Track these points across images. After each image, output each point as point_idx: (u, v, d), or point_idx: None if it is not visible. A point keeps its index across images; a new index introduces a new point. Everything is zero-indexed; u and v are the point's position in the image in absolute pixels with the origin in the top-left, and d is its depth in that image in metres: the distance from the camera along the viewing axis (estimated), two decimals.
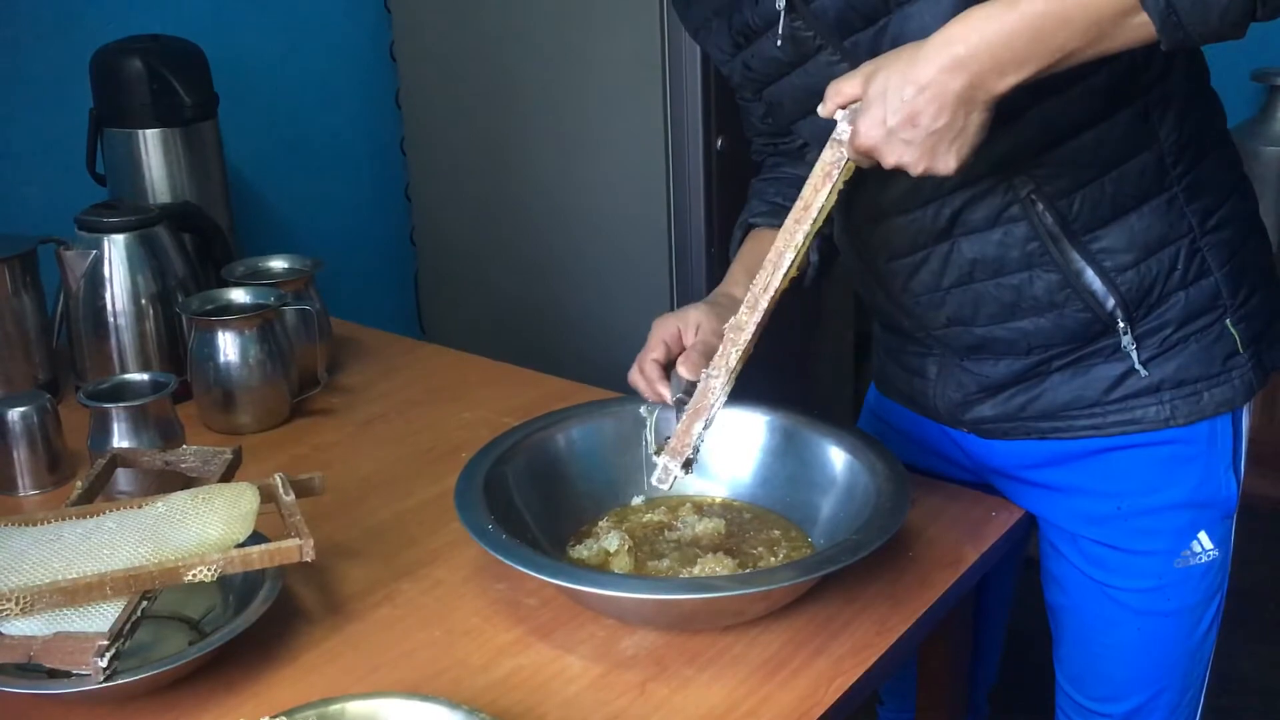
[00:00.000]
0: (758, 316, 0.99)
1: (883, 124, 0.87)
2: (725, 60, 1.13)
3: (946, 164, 0.87)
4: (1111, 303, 1.04)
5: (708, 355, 1.09)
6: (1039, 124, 0.98)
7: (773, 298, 0.99)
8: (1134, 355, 1.06)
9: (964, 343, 1.11)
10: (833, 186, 0.94)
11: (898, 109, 0.86)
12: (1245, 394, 1.09)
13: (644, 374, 1.14)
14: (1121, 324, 1.05)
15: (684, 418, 1.03)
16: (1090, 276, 1.04)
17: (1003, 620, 1.46)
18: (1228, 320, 1.07)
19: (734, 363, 1.01)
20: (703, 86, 1.87)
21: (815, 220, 0.96)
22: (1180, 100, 1.03)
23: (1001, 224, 1.03)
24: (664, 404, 1.14)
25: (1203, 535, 1.12)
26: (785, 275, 0.98)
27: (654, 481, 1.05)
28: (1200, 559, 1.13)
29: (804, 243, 0.96)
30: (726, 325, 1.01)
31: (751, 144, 1.36)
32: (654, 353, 1.14)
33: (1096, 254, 1.03)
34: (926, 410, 1.21)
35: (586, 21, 1.99)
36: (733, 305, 1.14)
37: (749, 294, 0.99)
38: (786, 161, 1.30)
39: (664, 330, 1.15)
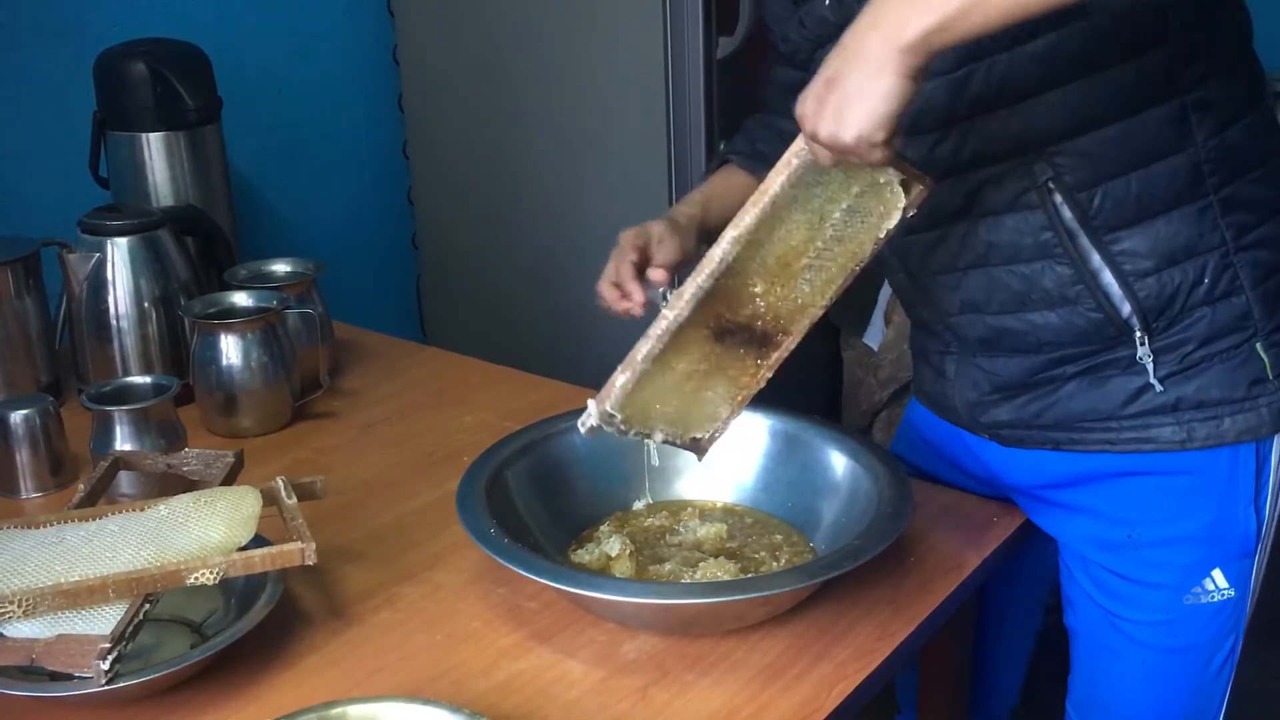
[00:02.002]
0: (681, 306, 0.96)
1: (815, 93, 0.85)
2: (785, 18, 1.13)
3: (846, 129, 0.83)
4: (1127, 309, 1.01)
5: (669, 269, 1.12)
6: (1057, 107, 0.96)
7: (704, 284, 0.95)
8: (1150, 369, 1.03)
9: (977, 333, 1.10)
10: (792, 174, 0.91)
11: (827, 75, 0.85)
12: (1274, 424, 1.04)
13: (620, 274, 1.12)
14: (1138, 333, 1.02)
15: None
16: (1108, 278, 1.01)
17: (1028, 641, 1.43)
18: (1258, 344, 1.02)
19: (648, 348, 0.98)
20: (705, 92, 1.87)
21: (771, 207, 0.92)
22: (1227, 109, 0.99)
23: (1017, 210, 1.02)
24: (634, 311, 1.11)
25: (1217, 573, 1.08)
26: (726, 262, 0.94)
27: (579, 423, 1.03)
28: (1213, 597, 1.09)
29: (755, 226, 0.92)
30: (660, 316, 0.99)
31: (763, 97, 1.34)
32: (631, 255, 1.13)
33: (1116, 255, 1.00)
34: (948, 411, 1.19)
35: (590, 26, 1.99)
36: (688, 223, 1.17)
37: (678, 291, 0.97)
38: (786, 117, 1.29)
39: (633, 238, 1.15)
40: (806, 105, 0.86)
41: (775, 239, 0.94)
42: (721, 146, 1.31)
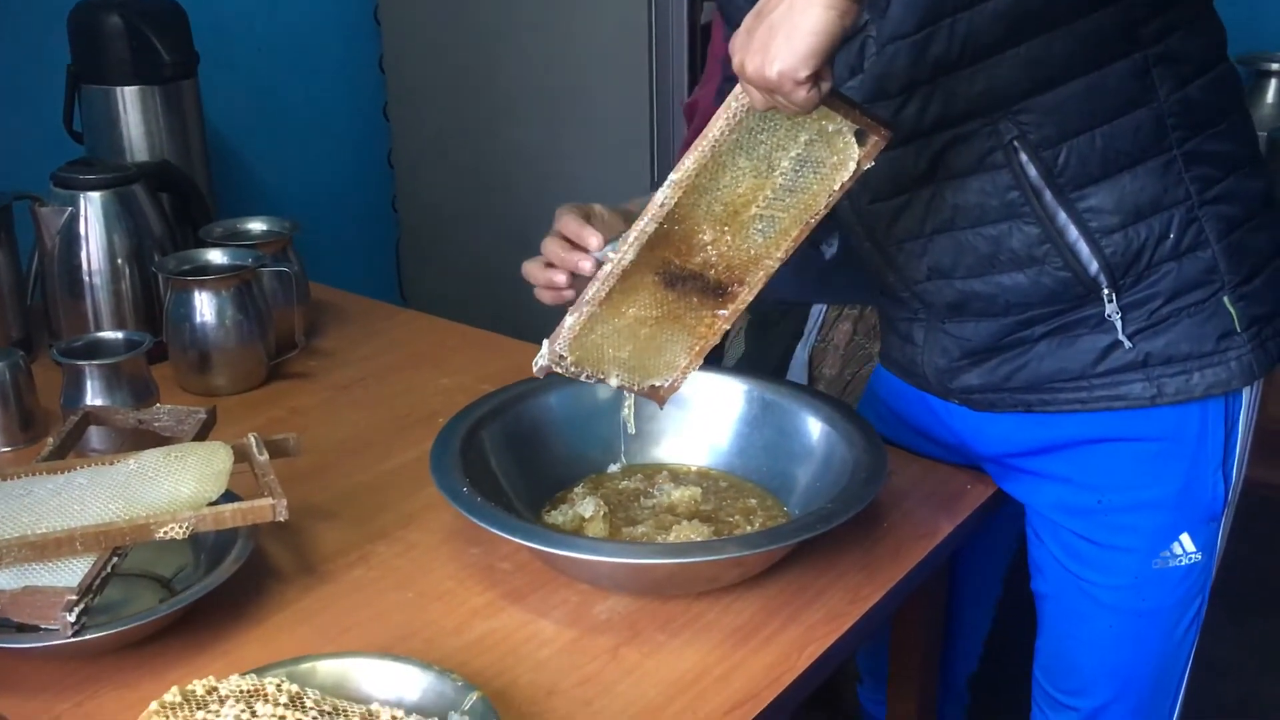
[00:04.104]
0: (625, 249, 0.94)
1: (745, 25, 0.81)
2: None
3: (770, 64, 0.78)
4: (1095, 266, 1.02)
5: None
6: (1022, 64, 0.96)
7: (647, 227, 0.93)
8: (1118, 326, 1.03)
9: (944, 299, 1.10)
10: (731, 117, 0.87)
11: (758, 7, 0.81)
12: (1244, 377, 1.04)
13: (568, 226, 1.04)
14: (1106, 290, 1.02)
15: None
16: (1074, 236, 1.01)
17: (989, 609, 1.45)
18: (1225, 297, 1.03)
19: (595, 289, 0.97)
20: (689, 54, 1.86)
21: (712, 152, 0.89)
22: (1188, 63, 0.99)
23: (983, 170, 1.02)
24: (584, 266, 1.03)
25: (1185, 537, 1.10)
26: (668, 206, 0.91)
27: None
28: (1180, 561, 1.10)
29: (696, 170, 0.90)
30: (606, 260, 0.97)
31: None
32: (575, 213, 1.06)
33: (1083, 212, 1.01)
34: (917, 379, 1.19)
35: None
36: (625, 217, 1.11)
37: (624, 235, 0.96)
38: None
39: (573, 208, 1.08)
40: (738, 39, 0.82)
41: (721, 186, 0.92)
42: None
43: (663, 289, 0.99)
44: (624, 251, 0.95)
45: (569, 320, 0.99)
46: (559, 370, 1.01)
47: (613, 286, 0.97)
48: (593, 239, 1.02)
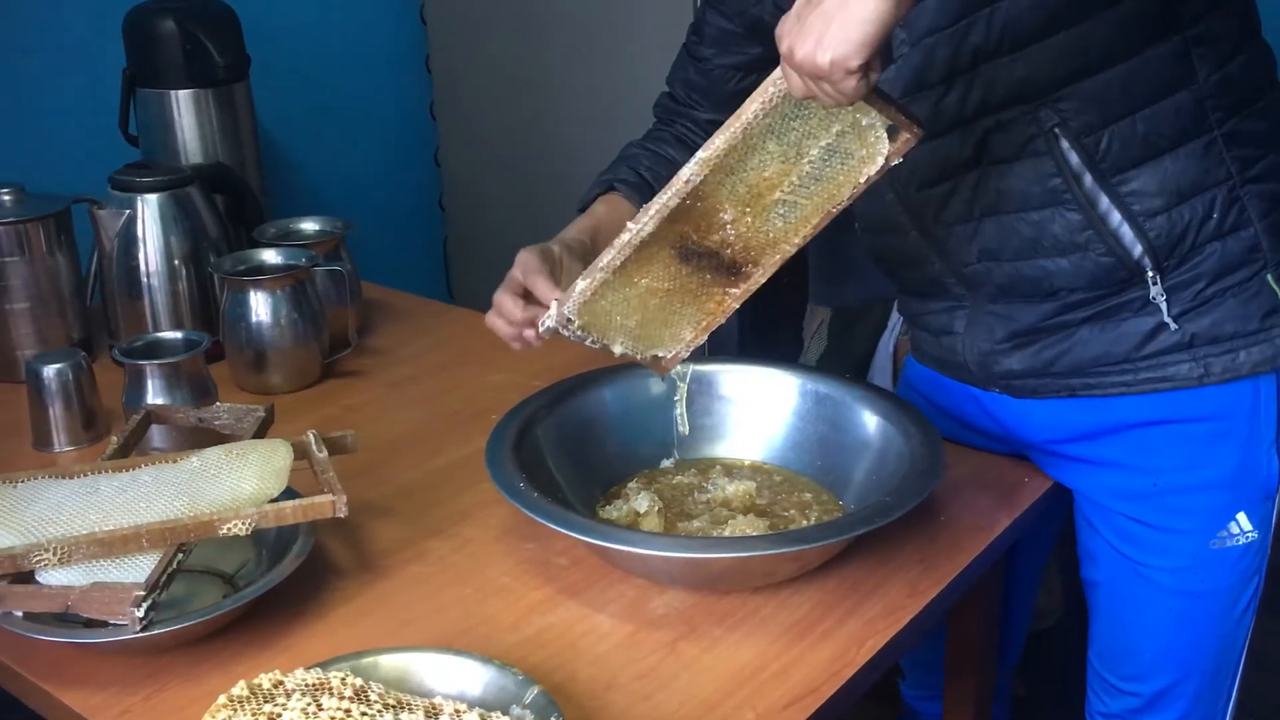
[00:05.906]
0: (645, 221, 0.94)
1: (796, 10, 0.81)
2: None
3: (823, 51, 0.78)
4: (1139, 250, 1.02)
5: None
6: (1062, 51, 0.96)
7: (670, 202, 0.93)
8: (1164, 308, 1.04)
9: (994, 281, 1.09)
10: (767, 100, 0.87)
11: None
12: None
13: (540, 289, 1.07)
14: (1150, 273, 1.03)
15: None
16: (1117, 220, 1.01)
17: (1029, 600, 1.44)
18: (1268, 275, 1.04)
19: (610, 257, 0.98)
20: None
21: (743, 134, 0.88)
22: (1227, 43, 1.00)
23: (1025, 157, 1.02)
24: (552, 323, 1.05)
25: (1241, 516, 1.10)
26: (693, 183, 0.91)
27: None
28: (1238, 540, 1.10)
29: (726, 150, 0.89)
30: (625, 229, 0.97)
31: (665, 94, 1.35)
32: (545, 269, 1.09)
33: (1125, 197, 1.01)
34: (957, 369, 1.19)
35: None
36: (581, 251, 1.15)
37: (645, 206, 0.95)
38: (673, 142, 1.29)
39: (539, 261, 1.10)
40: (786, 24, 0.82)
41: (748, 168, 0.92)
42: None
43: (677, 262, 1.00)
44: (644, 223, 0.95)
45: (580, 284, 1.00)
46: (565, 333, 1.03)
47: (628, 256, 0.98)
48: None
